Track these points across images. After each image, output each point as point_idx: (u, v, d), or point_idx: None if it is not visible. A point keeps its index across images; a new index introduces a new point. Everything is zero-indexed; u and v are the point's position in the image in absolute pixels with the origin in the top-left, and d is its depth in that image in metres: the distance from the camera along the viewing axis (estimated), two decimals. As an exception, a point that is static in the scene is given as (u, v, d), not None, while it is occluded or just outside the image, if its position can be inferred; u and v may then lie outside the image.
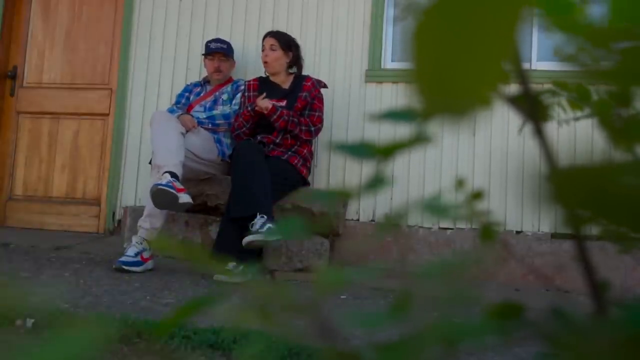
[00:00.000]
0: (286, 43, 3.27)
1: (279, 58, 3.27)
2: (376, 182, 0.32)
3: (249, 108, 3.19)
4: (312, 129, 3.20)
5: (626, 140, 0.35)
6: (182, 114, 3.23)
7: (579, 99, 0.47)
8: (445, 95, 0.23)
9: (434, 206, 0.33)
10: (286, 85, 3.32)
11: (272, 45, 3.26)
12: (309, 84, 3.27)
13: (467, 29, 0.22)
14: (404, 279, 0.32)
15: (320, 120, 3.25)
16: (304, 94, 3.23)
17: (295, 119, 3.14)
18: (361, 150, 0.32)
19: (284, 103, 3.23)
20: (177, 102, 3.49)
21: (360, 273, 0.33)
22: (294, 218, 0.34)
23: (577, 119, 0.50)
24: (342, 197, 0.32)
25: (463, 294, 0.31)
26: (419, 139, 0.30)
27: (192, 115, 3.28)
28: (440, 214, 0.33)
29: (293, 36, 3.41)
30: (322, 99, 3.30)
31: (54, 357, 0.22)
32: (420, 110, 0.24)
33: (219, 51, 3.49)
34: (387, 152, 0.32)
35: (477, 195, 0.49)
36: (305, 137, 3.19)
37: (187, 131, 3.09)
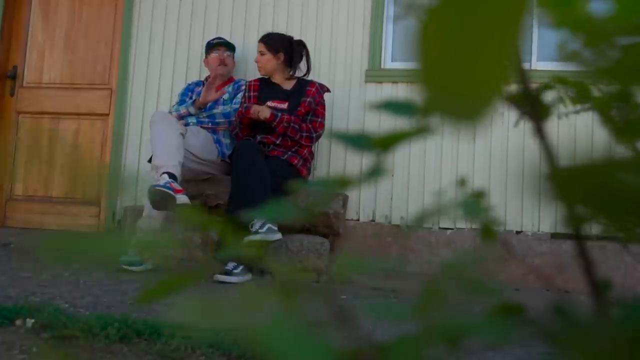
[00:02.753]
0: (274, 46, 3.29)
1: (269, 61, 3.29)
2: (374, 172, 0.32)
3: (244, 108, 3.20)
4: (314, 135, 3.21)
5: (627, 136, 0.34)
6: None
7: (579, 95, 0.47)
8: (450, 94, 0.23)
9: (469, 207, 0.33)
10: (287, 86, 3.32)
11: (260, 50, 3.32)
12: (313, 89, 3.27)
13: (471, 27, 0.22)
14: (424, 278, 0.32)
15: (322, 126, 3.25)
16: (309, 99, 3.23)
17: (296, 125, 3.14)
18: (359, 140, 0.32)
19: (285, 105, 3.23)
20: (182, 102, 3.49)
21: (374, 262, 0.33)
22: (283, 201, 0.34)
23: (577, 112, 0.50)
24: (340, 185, 0.32)
25: (483, 290, 0.31)
26: (418, 130, 0.30)
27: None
28: (476, 215, 0.33)
29: (290, 35, 3.40)
30: (325, 105, 3.31)
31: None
32: (423, 107, 0.24)
33: (222, 44, 3.53)
34: (385, 143, 0.31)
35: (479, 195, 0.49)
36: (306, 143, 3.19)
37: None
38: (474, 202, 0.35)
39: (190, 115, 3.31)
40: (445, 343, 0.30)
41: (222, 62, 3.51)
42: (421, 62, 0.23)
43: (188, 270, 0.30)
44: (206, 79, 3.62)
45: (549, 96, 0.49)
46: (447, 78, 0.23)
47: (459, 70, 0.22)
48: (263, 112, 3.09)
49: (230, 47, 3.59)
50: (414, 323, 0.30)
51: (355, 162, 3.58)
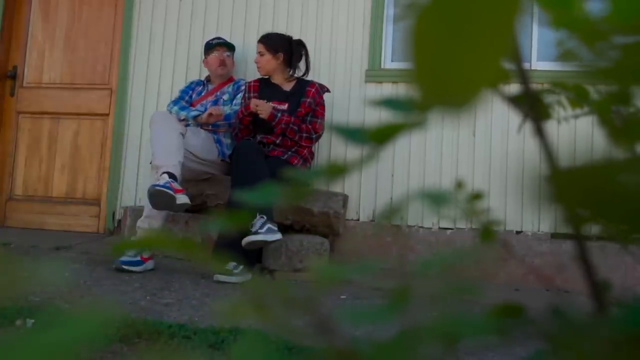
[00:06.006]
0: (273, 46, 3.28)
1: (268, 62, 3.29)
2: (363, 160, 0.32)
3: (244, 105, 3.21)
4: (314, 135, 3.21)
5: (626, 139, 0.34)
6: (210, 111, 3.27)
7: (578, 98, 0.47)
8: (443, 90, 0.23)
9: (433, 196, 0.33)
10: (287, 87, 3.32)
11: (260, 51, 3.31)
12: (312, 90, 3.26)
13: (464, 24, 0.22)
14: (402, 276, 0.32)
15: (322, 127, 3.25)
16: (308, 100, 3.23)
17: (295, 127, 3.14)
18: (355, 134, 0.32)
19: (285, 106, 3.23)
20: (182, 98, 3.50)
21: (357, 270, 0.33)
22: (272, 185, 0.34)
23: (576, 116, 0.50)
24: (332, 173, 0.32)
25: (461, 289, 0.31)
26: (413, 124, 0.30)
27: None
28: (440, 203, 0.33)
29: (289, 35, 3.40)
30: (324, 106, 3.31)
31: (55, 341, 0.22)
32: (419, 103, 0.24)
33: (222, 45, 3.53)
34: (380, 136, 0.31)
35: (477, 196, 0.49)
36: (305, 144, 3.19)
37: (205, 120, 3.21)
38: (442, 193, 0.35)
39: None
40: (441, 343, 0.30)
41: (222, 63, 3.51)
42: (414, 58, 0.23)
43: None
44: (206, 78, 3.63)
45: (549, 99, 0.49)
46: (439, 74, 0.23)
47: (451, 65, 0.22)
48: (264, 111, 3.09)
49: (229, 47, 3.59)
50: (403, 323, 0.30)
51: (355, 160, 3.58)
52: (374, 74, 3.67)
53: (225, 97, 3.49)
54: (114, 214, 3.89)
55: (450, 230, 3.44)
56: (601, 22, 0.29)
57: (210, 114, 3.21)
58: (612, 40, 0.29)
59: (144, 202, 3.00)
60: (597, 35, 0.29)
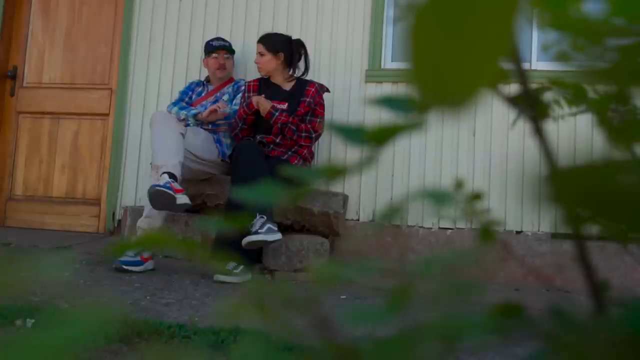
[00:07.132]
0: (273, 46, 3.28)
1: (269, 62, 3.29)
2: (361, 163, 0.32)
3: (245, 104, 3.22)
4: (313, 135, 3.21)
5: (625, 139, 0.35)
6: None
7: (576, 97, 0.47)
8: (442, 90, 0.23)
9: (434, 195, 0.33)
10: (287, 87, 3.33)
11: (260, 52, 3.31)
12: (312, 89, 3.26)
13: (463, 24, 0.22)
14: (402, 276, 0.32)
15: (322, 126, 3.25)
16: (308, 99, 3.23)
17: (294, 126, 3.14)
18: (354, 133, 0.32)
19: (285, 106, 3.23)
20: (181, 99, 3.50)
21: (356, 270, 0.33)
22: (271, 184, 0.34)
23: (574, 114, 0.50)
24: (331, 175, 0.32)
25: (461, 289, 0.31)
26: (412, 125, 0.30)
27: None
28: (441, 202, 0.33)
29: (288, 35, 3.40)
30: (324, 105, 3.31)
31: (53, 342, 0.22)
32: (418, 103, 0.24)
33: (222, 48, 3.52)
34: (379, 137, 0.31)
35: (477, 197, 0.49)
36: (305, 143, 3.19)
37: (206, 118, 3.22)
38: (443, 192, 0.35)
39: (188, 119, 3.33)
40: (441, 343, 0.30)
41: (221, 66, 3.51)
42: (413, 59, 0.23)
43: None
44: (206, 79, 3.62)
45: (547, 97, 0.49)
46: (439, 74, 0.23)
47: (450, 65, 0.23)
48: (263, 108, 3.11)
49: (230, 50, 3.57)
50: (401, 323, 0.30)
51: (355, 162, 3.58)
52: (374, 74, 3.67)
53: (225, 97, 3.49)
54: (114, 214, 3.89)
55: (450, 230, 3.44)
56: (599, 23, 0.29)
57: (215, 111, 3.21)
58: (610, 42, 0.29)
59: (144, 202, 3.00)
60: (594, 37, 0.29)
